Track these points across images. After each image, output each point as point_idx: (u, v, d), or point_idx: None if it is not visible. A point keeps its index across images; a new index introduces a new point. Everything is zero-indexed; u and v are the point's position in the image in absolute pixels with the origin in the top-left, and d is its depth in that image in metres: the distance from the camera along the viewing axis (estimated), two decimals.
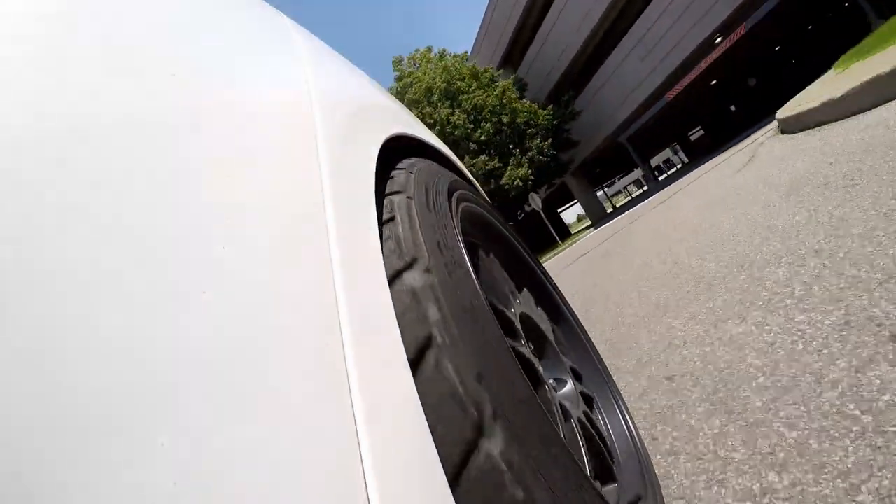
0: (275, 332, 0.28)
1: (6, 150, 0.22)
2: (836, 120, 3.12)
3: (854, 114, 2.95)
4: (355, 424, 0.28)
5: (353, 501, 0.25)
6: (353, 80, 0.76)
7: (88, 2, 0.33)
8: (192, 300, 0.25)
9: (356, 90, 0.70)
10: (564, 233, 28.13)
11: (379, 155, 0.56)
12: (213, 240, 0.29)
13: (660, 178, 31.56)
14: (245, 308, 0.27)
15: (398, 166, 0.66)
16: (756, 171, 3.39)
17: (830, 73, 5.73)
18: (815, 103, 3.53)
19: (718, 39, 15.12)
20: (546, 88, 22.25)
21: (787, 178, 2.49)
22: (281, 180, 0.38)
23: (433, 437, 0.35)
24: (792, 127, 3.97)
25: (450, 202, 0.68)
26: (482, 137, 19.03)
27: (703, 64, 16.30)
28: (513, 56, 24.17)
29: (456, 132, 18.90)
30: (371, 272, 0.39)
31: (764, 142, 5.18)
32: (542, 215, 18.99)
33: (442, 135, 19.15)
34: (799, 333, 1.02)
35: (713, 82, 18.68)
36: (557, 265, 8.29)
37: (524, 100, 21.01)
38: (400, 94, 21.01)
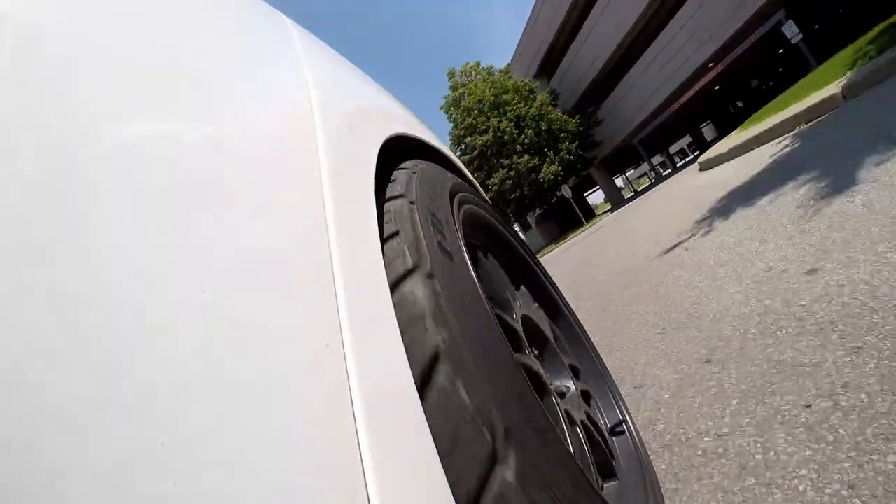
0: (275, 333, 0.27)
1: (6, 150, 0.21)
2: (717, 166, 6.81)
3: (726, 161, 6.53)
4: (355, 424, 0.27)
5: (353, 501, 0.24)
6: (353, 79, 0.73)
7: (87, 2, 0.32)
8: (192, 300, 0.24)
9: (356, 90, 0.68)
10: (590, 214, 29.43)
11: (379, 155, 0.54)
12: (212, 240, 0.27)
13: (678, 164, 32.25)
14: (245, 309, 0.26)
15: (400, 168, 0.62)
16: (672, 188, 8.50)
17: (735, 132, 9.50)
18: (709, 156, 7.61)
19: (711, 65, 16.81)
20: (575, 96, 24.20)
21: (674, 193, 6.85)
22: (280, 181, 0.37)
23: (433, 436, 0.33)
24: (703, 167, 7.93)
25: (451, 205, 0.64)
26: (525, 141, 21.99)
27: (706, 78, 17.61)
28: (547, 67, 25.73)
29: (504, 136, 21.79)
30: (371, 272, 0.38)
31: (687, 172, 10.83)
32: (572, 203, 21.93)
33: (494, 139, 21.94)
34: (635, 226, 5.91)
35: (717, 87, 19.62)
36: (586, 233, 13.68)
37: (557, 109, 23.59)
38: (455, 102, 23.58)
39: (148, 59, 0.34)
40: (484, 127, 22.48)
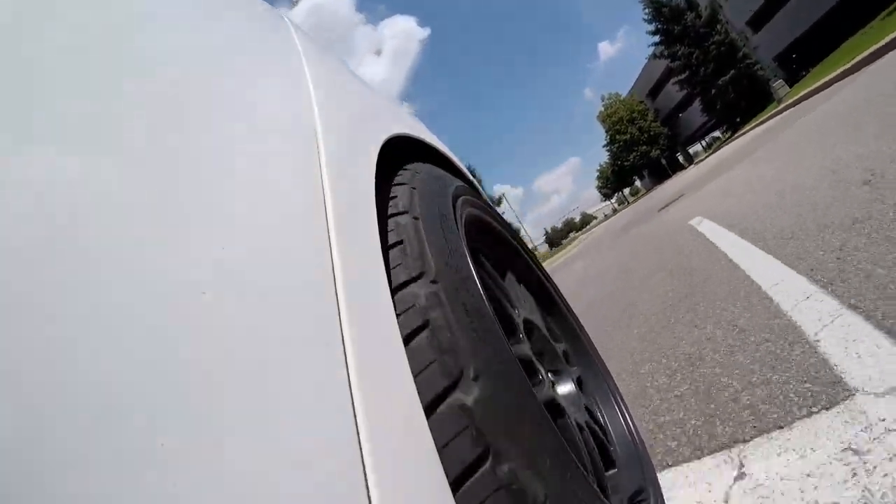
0: (274, 333, 0.23)
1: (6, 149, 0.18)
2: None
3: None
4: (355, 424, 0.23)
5: (354, 500, 0.21)
6: (353, 80, 0.61)
7: (88, 2, 0.26)
8: (192, 301, 0.20)
9: (356, 90, 0.57)
10: (679, 167, 33.38)
11: (379, 155, 0.44)
12: (212, 241, 0.23)
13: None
14: (245, 309, 0.22)
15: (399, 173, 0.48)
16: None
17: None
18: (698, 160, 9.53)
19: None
20: (666, 111, 28.73)
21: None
22: (280, 181, 0.31)
23: (433, 438, 0.27)
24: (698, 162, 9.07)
25: (454, 207, 0.51)
26: (643, 138, 28.28)
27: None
28: (654, 93, 30.49)
29: (634, 136, 27.89)
30: (371, 272, 0.32)
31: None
32: (666, 167, 27.06)
33: (632, 138, 28.80)
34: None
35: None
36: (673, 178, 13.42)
37: (658, 122, 28.28)
38: (608, 116, 30.22)
39: (147, 59, 0.27)
40: (624, 131, 28.96)
